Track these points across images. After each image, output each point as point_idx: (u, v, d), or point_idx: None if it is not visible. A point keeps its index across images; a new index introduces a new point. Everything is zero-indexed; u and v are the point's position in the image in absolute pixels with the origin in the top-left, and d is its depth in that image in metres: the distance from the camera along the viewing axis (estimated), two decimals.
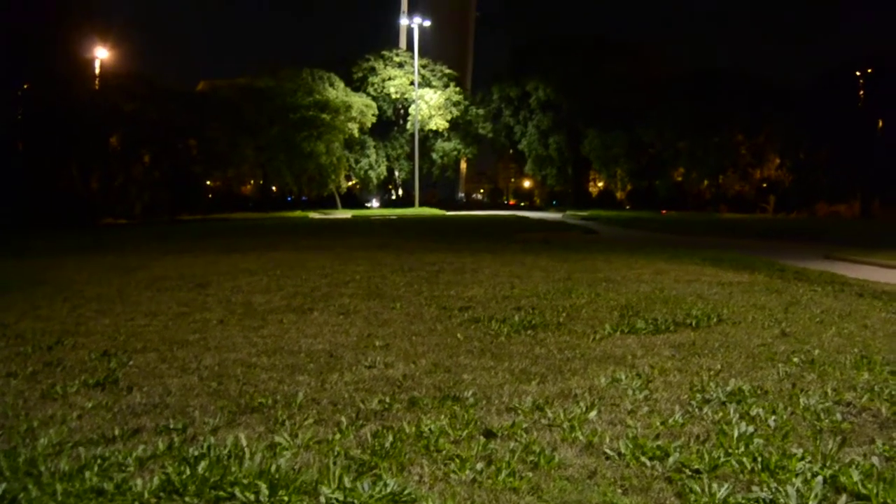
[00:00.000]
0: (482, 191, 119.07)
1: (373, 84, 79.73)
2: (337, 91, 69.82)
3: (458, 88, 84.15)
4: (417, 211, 67.57)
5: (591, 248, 21.50)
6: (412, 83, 78.60)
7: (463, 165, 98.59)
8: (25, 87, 47.44)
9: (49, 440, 4.72)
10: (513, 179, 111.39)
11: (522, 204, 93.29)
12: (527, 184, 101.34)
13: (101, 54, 56.33)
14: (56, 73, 45.94)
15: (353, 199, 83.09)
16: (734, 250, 19.73)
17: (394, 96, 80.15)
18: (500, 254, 18.58)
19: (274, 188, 77.62)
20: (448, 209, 73.01)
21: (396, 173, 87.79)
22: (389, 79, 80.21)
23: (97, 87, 54.14)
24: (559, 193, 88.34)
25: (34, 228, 33.17)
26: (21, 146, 44.17)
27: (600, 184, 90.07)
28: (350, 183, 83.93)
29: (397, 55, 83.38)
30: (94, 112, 48.19)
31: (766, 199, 68.40)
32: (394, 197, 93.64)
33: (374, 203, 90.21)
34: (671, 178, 77.42)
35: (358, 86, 77.78)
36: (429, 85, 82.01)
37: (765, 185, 71.26)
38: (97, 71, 55.45)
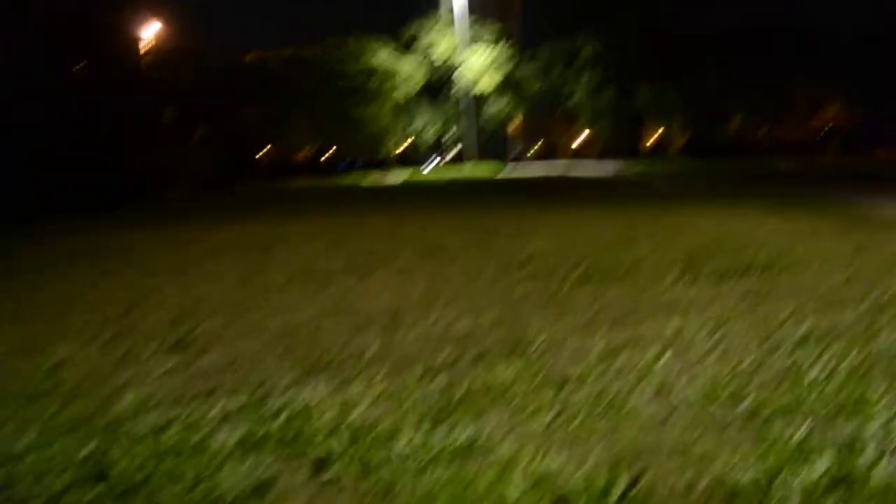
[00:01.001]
0: (535, 147, 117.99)
1: (419, 48, 79.17)
2: (384, 57, 69.52)
3: (506, 47, 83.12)
4: (472, 168, 67.32)
5: (649, 199, 21.25)
6: (459, 45, 77.88)
7: (514, 124, 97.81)
8: (80, 65, 48.05)
9: (127, 404, 4.85)
10: (564, 135, 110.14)
11: (578, 159, 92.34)
12: (579, 140, 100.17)
13: (152, 30, 56.81)
14: (108, 51, 46.46)
15: (406, 162, 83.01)
16: (795, 197, 19.33)
17: (441, 59, 79.52)
18: (556, 209, 18.42)
19: (327, 155, 77.95)
20: (503, 165, 72.51)
21: (447, 135, 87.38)
22: (436, 42, 79.52)
23: (149, 63, 54.66)
24: (613, 147, 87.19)
25: (94, 208, 33.76)
26: (75, 125, 44.86)
27: (654, 137, 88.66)
28: (402, 147, 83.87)
29: (443, 16, 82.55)
30: (146, 88, 48.71)
31: (827, 145, 66.73)
32: (446, 158, 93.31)
33: (427, 165, 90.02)
34: (727, 127, 75.84)
35: (405, 51, 77.31)
36: (476, 45, 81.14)
37: (825, 131, 69.51)
38: (149, 47, 55.96)
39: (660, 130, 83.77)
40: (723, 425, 3.97)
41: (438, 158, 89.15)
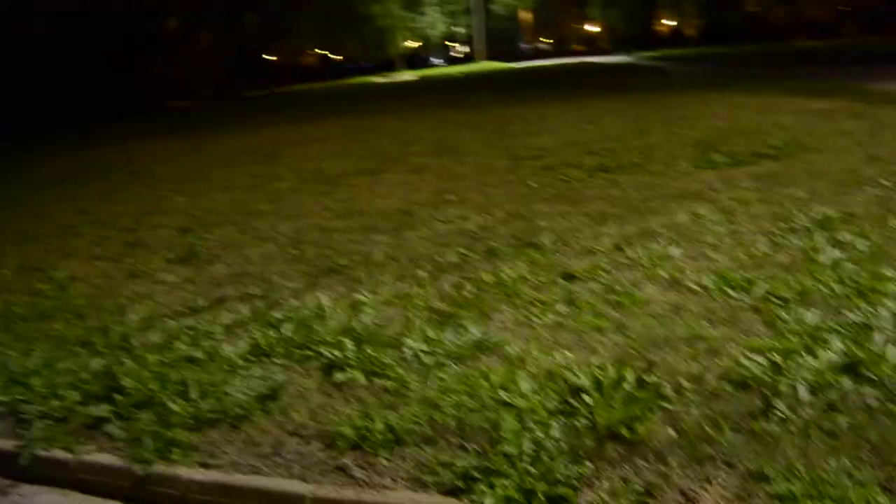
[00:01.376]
0: (546, 40, 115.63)
1: None
2: None
3: None
4: (482, 66, 66.14)
5: (662, 87, 20.79)
6: None
7: (525, 15, 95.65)
8: None
9: (139, 315, 4.86)
10: (576, 26, 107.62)
11: (590, 50, 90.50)
12: (592, 29, 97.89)
13: None
14: None
15: (416, 61, 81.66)
16: (812, 79, 18.80)
17: None
18: (569, 101, 18.07)
19: (335, 56, 76.74)
20: (512, 61, 71.15)
21: (458, 30, 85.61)
22: None
23: None
24: (626, 36, 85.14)
25: (98, 118, 33.54)
26: (78, 35, 44.16)
27: (668, 22, 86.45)
28: (411, 44, 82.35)
29: None
30: None
31: (846, 23, 64.84)
32: (457, 54, 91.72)
33: (438, 62, 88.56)
34: (743, 8, 73.77)
35: None
36: None
37: (844, 7, 67.45)
38: None
39: (673, 16, 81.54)
40: (734, 314, 3.91)
41: (446, 58, 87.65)
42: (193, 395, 3.60)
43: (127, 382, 3.78)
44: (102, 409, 3.62)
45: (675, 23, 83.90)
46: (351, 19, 64.00)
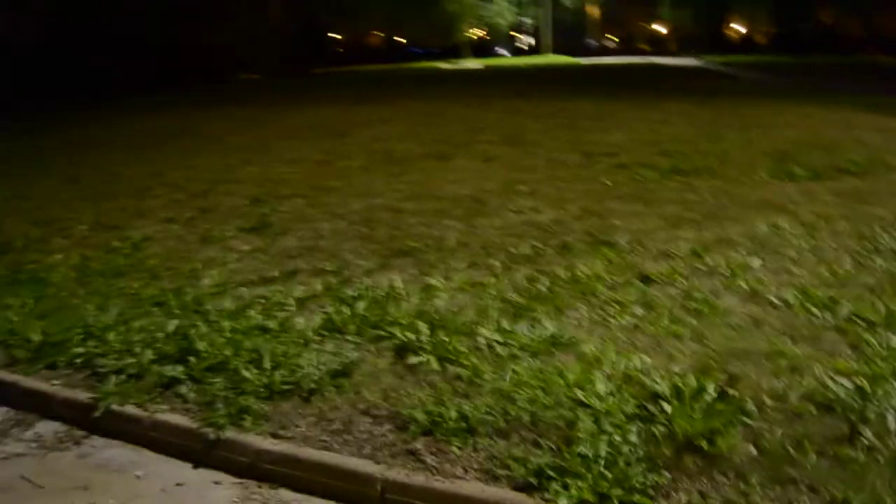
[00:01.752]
0: (613, 37, 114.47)
1: None
2: None
3: None
4: (548, 59, 65.71)
5: (733, 93, 20.40)
6: None
7: (594, 11, 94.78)
8: None
9: (212, 280, 4.91)
10: (645, 25, 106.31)
11: (658, 50, 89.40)
12: (661, 29, 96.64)
13: None
14: None
15: (482, 49, 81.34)
16: (889, 95, 18.31)
17: None
18: (638, 100, 17.85)
19: (400, 39, 76.77)
20: (579, 56, 70.56)
21: (526, 20, 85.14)
22: None
23: None
24: (696, 39, 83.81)
25: (168, 86, 33.98)
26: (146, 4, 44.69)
27: (739, 28, 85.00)
28: (479, 33, 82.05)
29: None
30: None
31: None
32: (524, 45, 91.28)
33: (503, 52, 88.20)
34: (818, 18, 72.25)
35: None
36: None
37: None
38: None
39: (744, 22, 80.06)
40: (817, 332, 3.81)
41: (511, 48, 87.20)
42: (266, 364, 3.63)
43: (201, 346, 3.83)
44: (176, 370, 3.66)
45: (744, 29, 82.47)
46: (419, 3, 63.97)
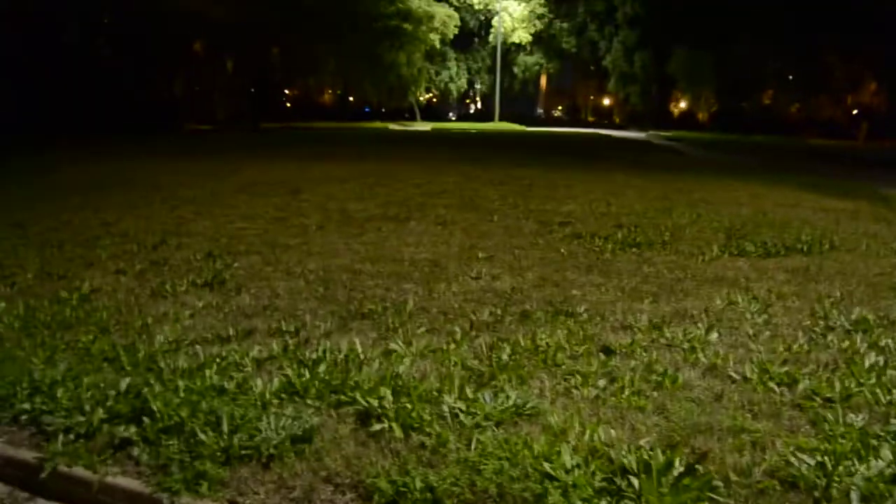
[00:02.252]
0: (560, 108, 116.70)
1: None
2: (420, 0, 68.57)
3: (542, 1, 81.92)
4: (497, 125, 66.66)
5: (681, 168, 20.91)
6: None
7: (543, 81, 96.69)
8: None
9: (165, 337, 4.78)
10: (591, 97, 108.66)
11: (604, 122, 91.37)
12: (606, 102, 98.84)
13: None
14: None
15: (432, 112, 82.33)
16: (827, 177, 18.95)
17: (476, 7, 78.43)
18: (589, 171, 18.16)
19: (351, 98, 77.26)
20: (527, 125, 71.70)
21: (477, 87, 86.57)
22: None
23: None
24: (640, 112, 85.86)
25: (119, 134, 33.74)
26: (105, 52, 44.53)
27: (683, 104, 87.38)
28: (429, 95, 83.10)
29: None
30: (179, 18, 48.22)
31: (858, 125, 65.58)
32: (472, 111, 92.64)
33: (452, 116, 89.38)
34: (760, 100, 74.69)
35: None
36: None
37: (855, 111, 68.22)
38: None
39: (688, 99, 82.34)
40: (778, 409, 3.84)
41: (459, 114, 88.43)
42: (224, 427, 3.51)
43: (155, 406, 3.69)
44: (129, 431, 3.53)
45: (687, 105, 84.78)
46: (375, 64, 64.65)
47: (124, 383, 3.97)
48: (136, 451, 3.39)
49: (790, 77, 69.47)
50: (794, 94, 70.62)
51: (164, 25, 46.26)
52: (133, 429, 3.54)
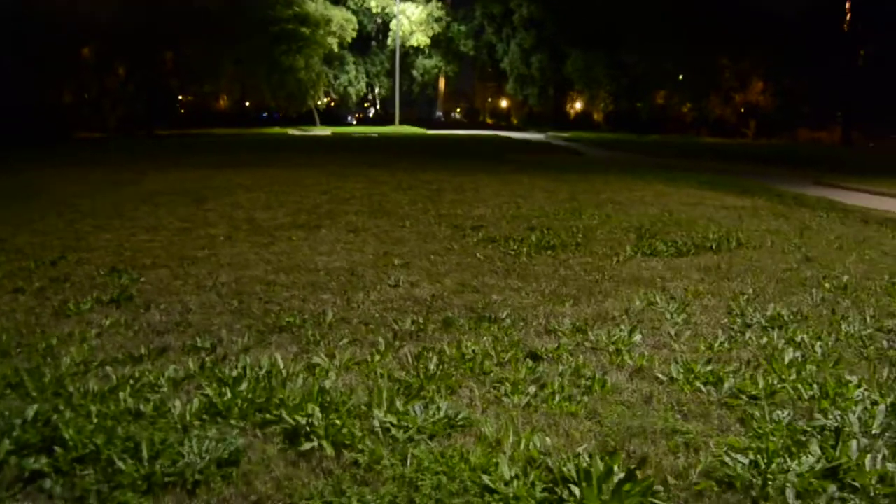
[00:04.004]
0: (459, 110, 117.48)
1: None
2: (317, 4, 67.87)
3: (439, 4, 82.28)
4: (398, 129, 66.65)
5: (583, 168, 21.26)
6: None
7: (441, 84, 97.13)
8: None
9: (72, 359, 4.51)
10: (490, 99, 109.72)
11: (502, 124, 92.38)
12: (504, 104, 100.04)
13: None
14: None
15: (331, 117, 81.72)
16: (723, 174, 19.57)
17: (374, 10, 78.26)
18: (495, 173, 18.28)
19: (248, 104, 76.05)
20: (427, 128, 71.94)
21: (376, 90, 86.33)
22: None
23: None
24: (538, 114, 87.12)
25: (6, 143, 32.38)
26: None
27: (579, 105, 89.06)
28: (327, 99, 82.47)
29: None
30: (67, 21, 46.57)
31: (748, 123, 68.05)
32: (372, 114, 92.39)
33: (352, 120, 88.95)
34: (653, 100, 76.71)
35: None
36: (411, 0, 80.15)
37: (743, 109, 70.76)
38: None
39: (584, 100, 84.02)
40: (706, 409, 3.87)
41: (358, 118, 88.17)
42: (144, 453, 3.31)
43: (67, 434, 3.46)
44: (40, 462, 3.28)
45: (584, 107, 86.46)
46: (272, 69, 63.80)
47: (31, 411, 3.71)
48: (48, 484, 3.16)
49: (681, 77, 71.61)
50: (686, 94, 72.83)
51: (49, 29, 44.58)
52: (44, 460, 3.31)
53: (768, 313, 5.52)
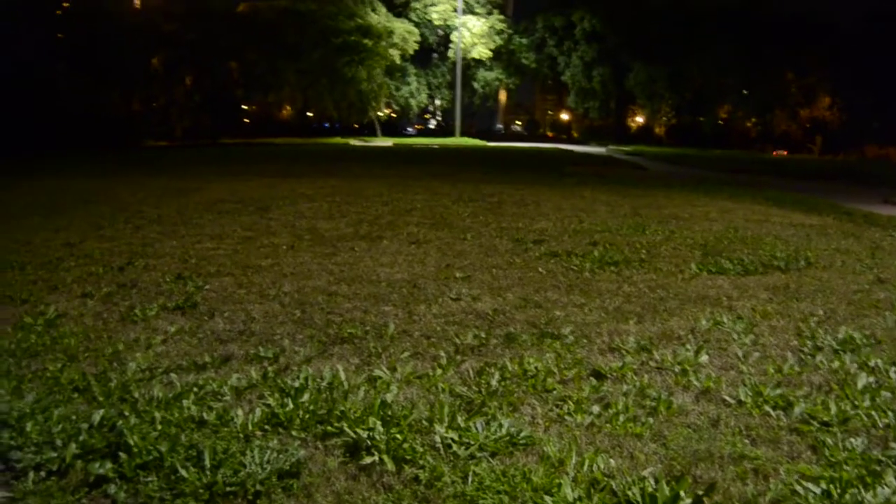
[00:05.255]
0: (519, 122, 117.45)
1: (415, 10, 78.14)
2: (379, 16, 68.46)
3: (501, 16, 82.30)
4: (458, 140, 66.79)
5: (646, 183, 21.01)
6: (455, 10, 76.96)
7: (502, 96, 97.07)
8: (65, 6, 47.00)
9: (138, 365, 4.57)
10: (550, 112, 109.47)
11: (563, 137, 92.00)
12: (565, 116, 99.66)
13: None
14: None
15: (391, 127, 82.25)
16: (789, 191, 19.19)
17: (436, 23, 78.59)
18: (556, 187, 18.18)
19: (310, 114, 76.90)
20: (487, 140, 71.93)
21: (437, 102, 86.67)
22: (432, 4, 78.48)
23: (138, 7, 53.54)
24: (598, 127, 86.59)
25: (77, 149, 33.26)
26: (61, 67, 43.90)
27: (640, 119, 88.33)
28: (388, 111, 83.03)
29: None
30: (136, 33, 47.70)
31: (813, 139, 66.84)
32: (432, 126, 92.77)
33: (412, 131, 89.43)
34: (716, 114, 75.75)
35: (400, 11, 76.22)
36: (472, 12, 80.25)
37: (809, 125, 69.52)
38: None
39: (646, 114, 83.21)
40: (776, 434, 3.75)
41: (419, 129, 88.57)
42: (207, 462, 3.33)
43: (132, 440, 3.50)
44: (105, 467, 3.32)
45: (646, 121, 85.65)
46: (335, 80, 64.47)
47: (97, 416, 3.76)
48: (112, 489, 3.19)
49: (745, 92, 70.67)
50: (751, 109, 71.83)
51: (120, 40, 45.72)
52: (109, 465, 3.34)
53: (840, 336, 5.34)
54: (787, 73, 68.50)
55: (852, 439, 3.67)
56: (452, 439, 3.58)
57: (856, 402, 4.11)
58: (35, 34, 39.72)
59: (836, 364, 4.78)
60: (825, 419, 3.90)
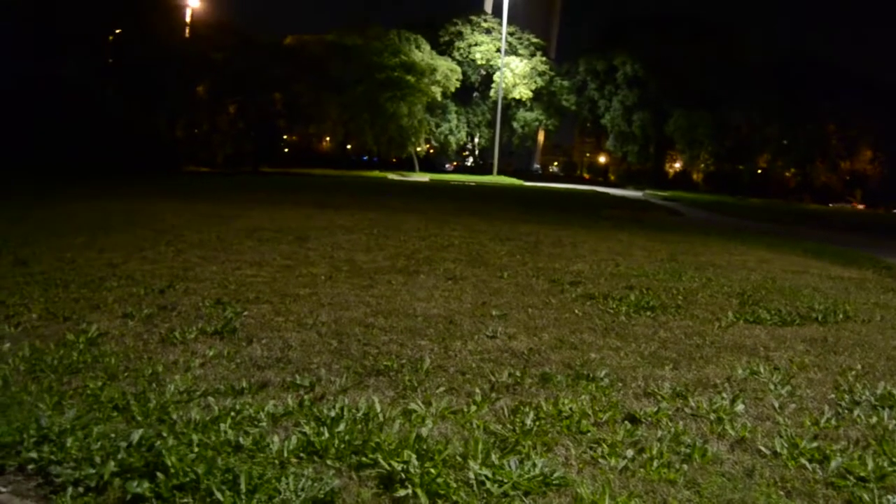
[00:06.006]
0: (557, 163, 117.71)
1: (458, 49, 79.07)
2: (423, 53, 69.34)
3: (543, 58, 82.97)
4: (495, 179, 67.08)
5: (683, 229, 20.97)
6: (498, 50, 77.66)
7: (541, 137, 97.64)
8: (117, 32, 48.09)
9: (177, 387, 4.63)
10: (588, 154, 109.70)
11: (600, 179, 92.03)
12: (602, 159, 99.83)
13: (192, 2, 56.79)
14: (146, 21, 46.43)
15: (429, 163, 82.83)
16: (828, 243, 19.04)
17: (479, 62, 79.40)
18: (593, 229, 18.20)
19: (350, 146, 77.68)
20: (524, 179, 72.16)
21: (476, 139, 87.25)
22: (476, 44, 79.43)
23: (187, 36, 54.62)
24: (636, 171, 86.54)
25: (120, 172, 33.84)
26: (109, 92, 44.84)
27: (678, 164, 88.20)
28: (427, 146, 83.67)
29: (485, 20, 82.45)
30: (183, 60, 48.63)
31: (853, 191, 66.34)
32: (470, 163, 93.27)
33: (449, 167, 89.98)
34: (756, 163, 75.47)
35: (444, 49, 77.19)
36: (515, 53, 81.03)
37: (849, 177, 69.03)
38: (187, 19, 55.89)
39: (684, 160, 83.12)
40: (811, 487, 3.72)
41: (457, 163, 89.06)
42: (242, 486, 3.37)
43: (170, 461, 3.55)
44: (143, 486, 3.36)
45: (684, 166, 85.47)
46: (376, 114, 65.19)
47: (136, 435, 3.82)
48: None
49: (785, 142, 70.42)
50: (791, 159, 71.48)
51: (168, 69, 46.62)
52: (146, 484, 3.39)
53: (878, 391, 5.28)
54: (829, 125, 68.21)
55: (889, 496, 3.62)
56: (486, 476, 3.58)
57: (894, 459, 4.06)
58: (89, 61, 40.69)
59: (874, 419, 4.72)
60: (862, 474, 3.85)
